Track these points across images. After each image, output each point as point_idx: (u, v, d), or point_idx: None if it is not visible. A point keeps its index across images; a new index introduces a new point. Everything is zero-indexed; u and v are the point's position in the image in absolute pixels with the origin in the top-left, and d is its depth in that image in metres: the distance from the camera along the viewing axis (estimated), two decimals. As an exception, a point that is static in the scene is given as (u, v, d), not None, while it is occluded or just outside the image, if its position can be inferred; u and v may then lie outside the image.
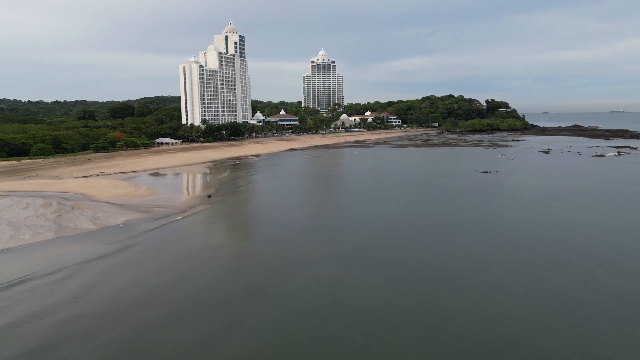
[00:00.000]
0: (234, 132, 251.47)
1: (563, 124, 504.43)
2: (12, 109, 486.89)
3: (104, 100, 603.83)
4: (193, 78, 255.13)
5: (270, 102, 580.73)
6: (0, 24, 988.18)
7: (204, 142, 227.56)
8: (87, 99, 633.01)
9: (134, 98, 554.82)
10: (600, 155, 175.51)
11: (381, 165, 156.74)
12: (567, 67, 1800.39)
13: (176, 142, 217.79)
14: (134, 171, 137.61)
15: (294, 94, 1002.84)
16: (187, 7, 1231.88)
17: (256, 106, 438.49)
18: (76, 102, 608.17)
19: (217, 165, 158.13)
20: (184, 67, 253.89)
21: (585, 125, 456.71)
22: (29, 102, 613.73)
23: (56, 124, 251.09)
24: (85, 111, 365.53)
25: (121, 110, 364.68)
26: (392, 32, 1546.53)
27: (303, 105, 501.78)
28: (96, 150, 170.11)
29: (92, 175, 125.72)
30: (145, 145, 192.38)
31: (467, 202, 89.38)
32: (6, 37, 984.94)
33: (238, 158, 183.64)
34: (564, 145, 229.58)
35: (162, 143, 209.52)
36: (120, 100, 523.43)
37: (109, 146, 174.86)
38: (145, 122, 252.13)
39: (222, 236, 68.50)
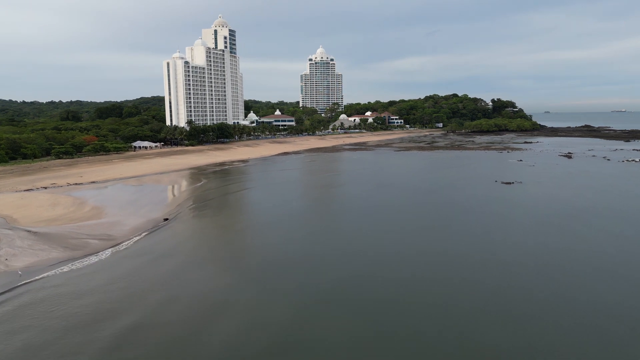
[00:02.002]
0: (222, 134, 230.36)
1: (569, 124, 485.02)
2: (4, 109, 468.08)
3: (102, 101, 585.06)
4: (178, 75, 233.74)
5: (269, 102, 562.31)
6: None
7: (187, 145, 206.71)
8: (85, 100, 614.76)
9: (131, 98, 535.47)
10: (631, 161, 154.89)
11: (383, 174, 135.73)
12: (568, 67, 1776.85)
13: (156, 146, 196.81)
14: (93, 182, 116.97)
15: (294, 93, 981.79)
16: (186, 8, 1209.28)
17: (252, 106, 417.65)
18: (71, 102, 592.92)
19: (196, 173, 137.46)
20: (168, 64, 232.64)
21: (596, 126, 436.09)
22: (23, 102, 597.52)
23: (31, 124, 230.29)
24: (69, 112, 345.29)
25: (108, 111, 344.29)
26: (392, 32, 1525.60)
27: (301, 105, 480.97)
28: (58, 156, 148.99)
29: (38, 188, 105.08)
30: (118, 150, 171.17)
31: (499, 229, 68.50)
32: (5, 37, 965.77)
33: (222, 164, 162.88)
34: (584, 148, 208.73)
35: (139, 147, 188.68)
36: (119, 101, 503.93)
37: (73, 151, 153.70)
38: (128, 124, 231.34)
39: (132, 294, 45.39)
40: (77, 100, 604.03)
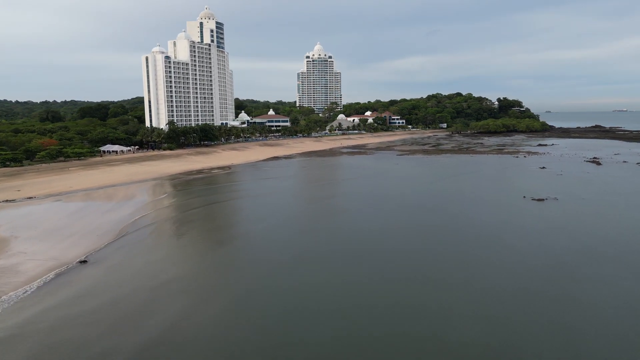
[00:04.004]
0: (206, 136, 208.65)
1: (577, 124, 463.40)
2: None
3: (99, 100, 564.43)
4: (158, 71, 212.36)
5: (267, 101, 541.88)
6: None
7: (166, 149, 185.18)
8: (82, 99, 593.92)
9: (128, 97, 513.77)
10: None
11: (385, 185, 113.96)
12: (569, 66, 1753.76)
13: (129, 150, 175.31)
14: (30, 198, 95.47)
15: (292, 93, 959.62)
16: (187, 7, 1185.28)
17: (248, 106, 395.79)
18: (65, 102, 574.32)
19: (162, 185, 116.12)
20: (147, 58, 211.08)
21: (607, 126, 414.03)
22: (16, 102, 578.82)
23: (5, 124, 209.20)
24: (49, 112, 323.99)
25: (92, 111, 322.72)
26: (392, 32, 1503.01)
27: (298, 104, 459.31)
28: (4, 164, 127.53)
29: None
30: (80, 156, 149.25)
31: (554, 294, 46.97)
32: (5, 37, 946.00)
33: (199, 171, 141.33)
34: (608, 151, 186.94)
35: (109, 152, 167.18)
36: (116, 100, 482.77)
37: (23, 158, 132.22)
38: (106, 125, 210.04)
39: None
40: (72, 100, 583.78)
